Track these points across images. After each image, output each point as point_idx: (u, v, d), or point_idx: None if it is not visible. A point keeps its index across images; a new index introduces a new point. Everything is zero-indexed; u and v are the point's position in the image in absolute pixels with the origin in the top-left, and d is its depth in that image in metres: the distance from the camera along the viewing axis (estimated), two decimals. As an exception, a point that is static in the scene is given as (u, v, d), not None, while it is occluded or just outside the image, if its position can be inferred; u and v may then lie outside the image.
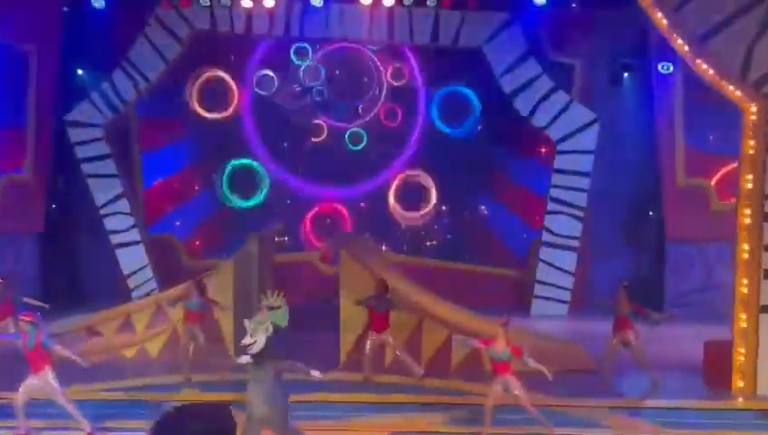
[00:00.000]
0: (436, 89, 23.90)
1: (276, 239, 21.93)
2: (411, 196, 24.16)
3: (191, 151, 24.25)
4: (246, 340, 9.44)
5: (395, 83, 24.04)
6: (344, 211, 24.16)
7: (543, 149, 23.11)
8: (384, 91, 24.00)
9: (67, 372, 12.39)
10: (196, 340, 14.95)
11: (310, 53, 23.79)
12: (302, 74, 23.40)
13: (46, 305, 15.52)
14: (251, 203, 24.03)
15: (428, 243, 24.15)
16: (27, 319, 12.05)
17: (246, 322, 9.57)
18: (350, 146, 24.04)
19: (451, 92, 23.77)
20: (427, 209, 24.04)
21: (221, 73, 23.55)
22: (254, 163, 24.06)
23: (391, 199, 24.07)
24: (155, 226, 23.77)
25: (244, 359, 9.66)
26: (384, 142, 24.00)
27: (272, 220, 22.27)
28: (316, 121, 23.95)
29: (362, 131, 24.04)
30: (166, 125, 23.89)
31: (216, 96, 23.61)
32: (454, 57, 22.76)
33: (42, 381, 11.79)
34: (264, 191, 24.01)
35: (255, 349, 9.43)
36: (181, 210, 24.33)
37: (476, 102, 23.65)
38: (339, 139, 24.08)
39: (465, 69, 23.09)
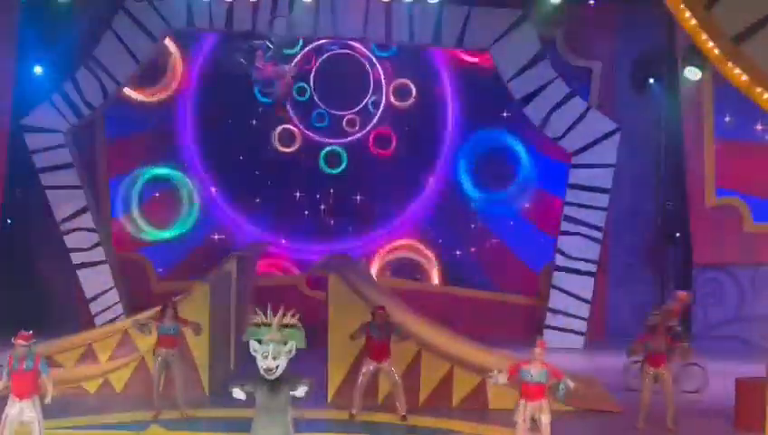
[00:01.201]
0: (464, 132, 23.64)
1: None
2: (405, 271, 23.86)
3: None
4: (269, 363, 8.96)
5: (397, 103, 23.83)
6: (293, 271, 23.30)
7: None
8: (381, 109, 23.79)
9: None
10: (169, 369, 14.87)
11: (300, 41, 23.31)
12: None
13: None
14: (164, 236, 23.25)
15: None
16: (23, 341, 11.68)
17: (256, 344, 9.03)
18: (326, 168, 23.58)
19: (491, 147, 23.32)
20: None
21: (172, 48, 22.75)
22: (178, 174, 23.48)
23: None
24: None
25: (239, 394, 9.33)
26: (371, 177, 23.53)
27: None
28: (286, 126, 23.43)
29: (343, 152, 23.68)
30: (137, 133, 23.82)
31: (152, 71, 23.06)
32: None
33: (26, 409, 11.54)
34: (189, 219, 23.39)
35: (278, 373, 9.06)
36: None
37: (525, 159, 23.33)
38: (312, 155, 23.63)
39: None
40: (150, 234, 23.22)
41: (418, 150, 23.60)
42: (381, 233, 23.59)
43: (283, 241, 22.80)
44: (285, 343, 9.05)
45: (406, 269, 23.52)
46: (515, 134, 23.36)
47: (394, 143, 23.83)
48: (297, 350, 9.23)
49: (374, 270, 22.90)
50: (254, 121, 23.48)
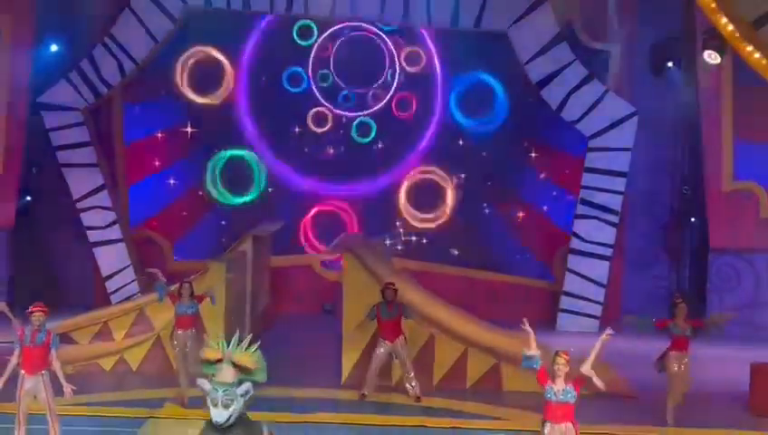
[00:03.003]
0: (455, 75, 23.73)
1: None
2: (425, 196, 24.00)
3: (182, 141, 24.13)
4: (219, 413, 7.09)
5: (409, 69, 23.87)
6: (349, 211, 24.05)
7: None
8: (397, 78, 23.87)
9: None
10: (187, 349, 14.89)
11: (315, 32, 23.70)
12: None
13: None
14: (244, 200, 23.89)
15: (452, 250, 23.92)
16: (40, 309, 11.61)
17: (205, 384, 7.22)
18: (357, 138, 23.93)
19: (473, 81, 23.60)
20: (442, 212, 23.88)
21: (214, 53, 23.45)
22: (249, 154, 23.90)
23: (402, 199, 23.92)
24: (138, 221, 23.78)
25: (205, 385, 7.30)
26: (396, 134, 23.89)
27: (267, 219, 22.10)
28: (320, 109, 23.84)
29: (371, 122, 23.94)
30: (153, 111, 23.85)
31: (207, 78, 23.49)
32: (477, 42, 22.68)
33: (38, 384, 11.48)
34: (261, 187, 23.88)
35: (231, 422, 7.22)
36: (166, 205, 24.25)
37: (501, 92, 23.49)
38: (345, 129, 23.96)
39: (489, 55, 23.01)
40: (232, 199, 23.92)
41: (430, 105, 23.95)
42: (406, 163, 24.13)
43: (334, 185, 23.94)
44: (240, 384, 7.39)
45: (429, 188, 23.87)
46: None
47: (414, 105, 23.99)
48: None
49: (403, 191, 23.82)
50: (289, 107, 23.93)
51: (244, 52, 23.73)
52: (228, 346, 7.30)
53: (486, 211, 23.89)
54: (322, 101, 23.84)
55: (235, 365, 7.31)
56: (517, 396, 14.93)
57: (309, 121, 23.86)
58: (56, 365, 11.59)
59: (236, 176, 23.86)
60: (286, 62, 23.77)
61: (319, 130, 23.87)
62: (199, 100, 23.50)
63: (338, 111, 23.87)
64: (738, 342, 19.17)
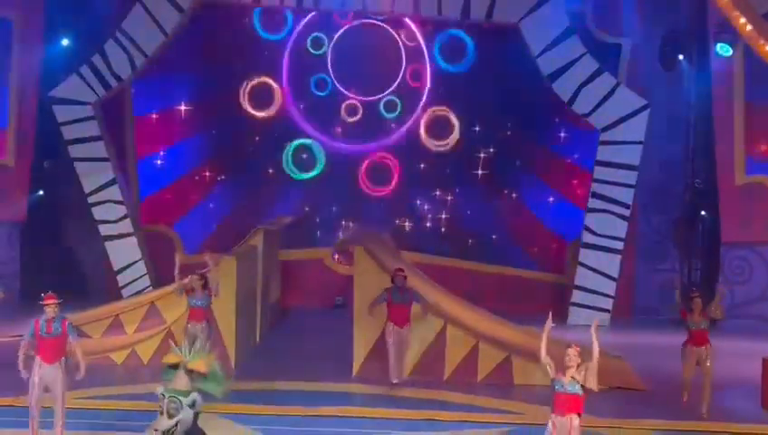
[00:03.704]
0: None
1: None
2: (438, 129, 24.39)
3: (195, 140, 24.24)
4: (160, 422, 6.97)
5: (408, 43, 24.36)
6: (391, 159, 24.79)
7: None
8: (404, 55, 24.33)
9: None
10: (197, 341, 14.92)
11: (326, 43, 24.22)
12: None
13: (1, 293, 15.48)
14: (313, 174, 24.84)
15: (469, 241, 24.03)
16: (52, 301, 11.62)
17: (160, 390, 7.18)
18: (386, 114, 24.65)
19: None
20: (452, 137, 24.46)
21: (266, 79, 24.48)
22: (310, 141, 24.85)
23: (423, 133, 24.50)
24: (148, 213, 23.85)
25: (158, 390, 7.33)
26: (413, 103, 24.52)
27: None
28: (350, 102, 24.46)
29: (396, 99, 24.55)
30: (165, 108, 23.92)
31: (261, 96, 24.39)
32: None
33: (54, 372, 11.43)
34: (322, 163, 24.78)
35: (173, 432, 7.00)
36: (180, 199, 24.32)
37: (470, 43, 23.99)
38: (374, 110, 24.49)
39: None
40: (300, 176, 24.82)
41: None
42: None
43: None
44: (188, 394, 7.10)
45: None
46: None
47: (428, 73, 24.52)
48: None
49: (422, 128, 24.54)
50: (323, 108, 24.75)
51: (282, 73, 24.52)
52: (189, 353, 7.13)
53: (496, 203, 23.86)
54: (349, 94, 24.42)
55: (189, 372, 7.08)
56: (528, 390, 14.92)
57: (342, 113, 24.52)
58: (78, 351, 11.60)
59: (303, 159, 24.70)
60: (311, 71, 24.46)
61: (351, 120, 24.56)
62: (259, 114, 24.43)
63: (363, 98, 24.51)
64: (750, 335, 19.13)
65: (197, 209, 24.44)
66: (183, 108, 24.34)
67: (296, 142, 24.65)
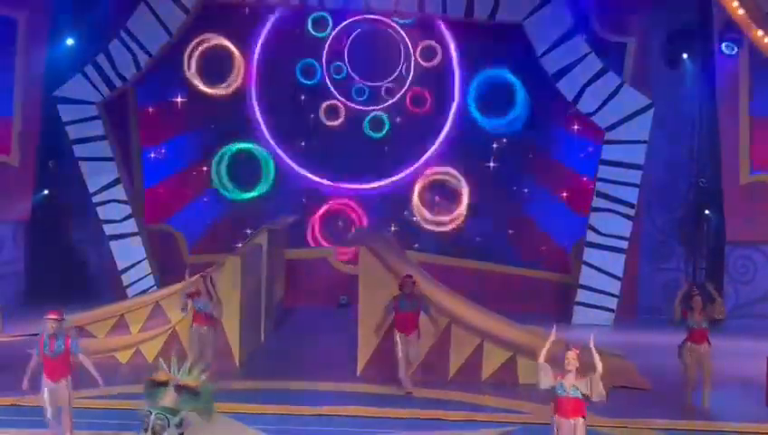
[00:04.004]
0: (472, 72, 23.46)
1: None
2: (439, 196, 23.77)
3: (195, 134, 24.15)
4: None
5: (425, 63, 23.63)
6: (358, 211, 23.78)
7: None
8: (412, 73, 23.66)
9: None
10: (203, 345, 15.00)
11: (330, 22, 23.52)
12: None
13: None
14: (251, 195, 23.67)
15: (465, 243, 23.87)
16: (55, 317, 11.36)
17: (146, 407, 6.86)
18: (370, 133, 23.64)
19: (491, 77, 23.37)
20: (456, 214, 23.66)
21: (224, 41, 23.24)
22: (257, 148, 23.69)
23: (415, 200, 23.70)
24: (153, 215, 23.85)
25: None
26: (409, 131, 23.60)
27: (273, 216, 21.91)
28: (332, 102, 23.64)
29: (384, 117, 23.66)
30: (168, 104, 23.90)
31: (217, 68, 23.33)
32: (493, 34, 22.60)
33: (59, 391, 11.31)
34: (269, 182, 23.67)
35: None
36: (184, 200, 24.32)
37: (520, 90, 23.19)
38: (357, 124, 23.64)
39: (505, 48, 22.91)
40: (238, 195, 23.76)
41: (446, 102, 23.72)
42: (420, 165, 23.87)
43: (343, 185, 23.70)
44: (176, 413, 6.74)
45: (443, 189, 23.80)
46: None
47: (429, 100, 23.78)
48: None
49: (418, 188, 23.60)
50: (302, 99, 23.73)
51: (255, 41, 23.45)
52: (178, 371, 6.81)
53: (501, 202, 23.83)
54: (336, 93, 23.60)
55: (179, 389, 6.72)
56: (533, 389, 14.83)
57: (321, 114, 23.63)
58: (86, 363, 11.50)
59: (244, 171, 23.61)
60: (300, 53, 23.58)
61: (330, 124, 23.62)
62: (208, 90, 23.36)
63: (351, 105, 23.61)
64: (755, 334, 19.11)
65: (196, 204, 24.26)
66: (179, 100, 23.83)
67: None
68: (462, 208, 23.57)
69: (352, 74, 23.67)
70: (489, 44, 23.04)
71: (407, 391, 14.81)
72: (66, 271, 22.70)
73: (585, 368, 10.11)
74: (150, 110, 23.83)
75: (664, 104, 21.88)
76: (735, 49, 20.88)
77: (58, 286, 21.93)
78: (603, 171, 21.85)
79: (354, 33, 23.67)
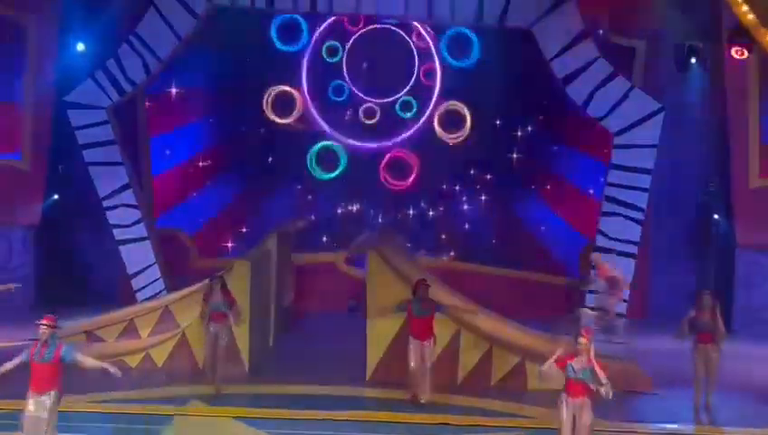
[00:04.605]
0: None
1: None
2: (452, 122, 25.14)
3: (202, 139, 24.38)
4: None
5: (421, 45, 25.43)
6: (407, 155, 25.63)
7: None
8: (416, 58, 25.39)
9: (64, 382, 12.24)
10: (219, 342, 15.13)
11: (340, 50, 25.41)
12: None
13: (12, 287, 15.48)
14: (335, 174, 25.74)
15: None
16: (48, 322, 10.63)
17: None
18: (402, 114, 25.71)
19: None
20: (464, 132, 25.28)
21: (287, 88, 25.52)
22: (332, 144, 25.86)
23: (437, 128, 25.46)
24: (162, 219, 23.95)
25: None
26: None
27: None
28: (368, 105, 25.59)
29: (412, 99, 25.60)
30: (178, 110, 24.02)
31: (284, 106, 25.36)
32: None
33: (45, 404, 10.47)
34: (344, 162, 25.77)
35: None
36: (189, 203, 24.46)
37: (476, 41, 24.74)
38: (391, 111, 25.53)
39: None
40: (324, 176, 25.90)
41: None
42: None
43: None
44: None
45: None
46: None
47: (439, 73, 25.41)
48: None
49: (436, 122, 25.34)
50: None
51: (301, 82, 25.61)
52: None
53: (511, 208, 23.88)
54: (366, 97, 25.64)
55: None
56: (542, 395, 14.87)
57: (361, 116, 25.76)
58: (89, 363, 10.83)
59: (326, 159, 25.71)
60: (328, 78, 25.64)
61: (369, 122, 25.82)
62: (282, 121, 25.51)
63: (380, 100, 25.70)
64: (765, 339, 19.07)
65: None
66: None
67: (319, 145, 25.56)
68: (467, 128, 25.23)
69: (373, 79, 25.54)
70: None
71: (420, 401, 14.66)
72: (76, 275, 22.76)
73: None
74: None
75: (674, 108, 21.83)
76: (745, 53, 20.83)
77: (67, 290, 22.01)
78: (613, 176, 21.80)
79: (364, 47, 25.33)
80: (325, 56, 25.58)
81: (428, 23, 23.20)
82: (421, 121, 25.48)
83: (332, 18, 24.87)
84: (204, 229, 24.80)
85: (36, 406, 10.54)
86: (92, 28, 22.22)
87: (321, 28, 25.23)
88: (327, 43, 25.47)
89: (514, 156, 25.34)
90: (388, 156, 25.61)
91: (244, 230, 25.09)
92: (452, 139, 25.27)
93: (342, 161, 25.60)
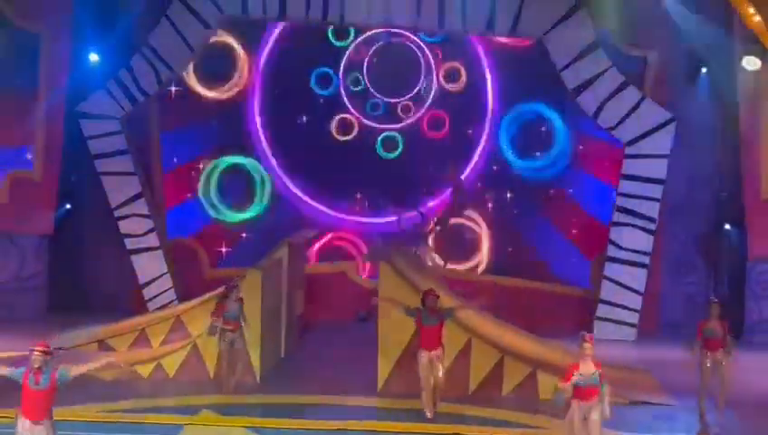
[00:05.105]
0: (505, 106, 23.66)
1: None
2: (456, 242, 23.80)
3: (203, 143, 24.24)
4: None
5: (448, 87, 23.82)
6: (361, 247, 23.62)
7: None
8: (432, 93, 23.83)
9: (76, 392, 12.30)
10: (234, 354, 15.35)
11: (352, 33, 23.82)
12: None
13: None
14: (244, 216, 23.60)
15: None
16: (42, 349, 10.03)
17: None
18: (382, 152, 23.74)
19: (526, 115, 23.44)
20: (474, 262, 23.69)
21: (229, 40, 23.12)
22: (252, 163, 23.69)
23: (430, 243, 23.65)
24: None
25: None
26: (424, 155, 23.64)
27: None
28: (345, 116, 23.71)
29: (398, 136, 23.79)
30: (189, 119, 24.03)
31: (220, 69, 23.42)
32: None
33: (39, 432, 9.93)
34: (263, 203, 23.61)
35: None
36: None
37: (561, 129, 23.32)
38: (369, 141, 23.77)
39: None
40: (228, 216, 23.62)
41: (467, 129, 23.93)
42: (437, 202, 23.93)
43: (348, 216, 23.39)
44: None
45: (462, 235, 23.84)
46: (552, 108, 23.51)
47: (447, 125, 23.92)
48: None
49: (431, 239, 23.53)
50: (313, 113, 23.79)
51: (266, 42, 23.54)
52: None
53: (521, 218, 23.81)
54: (350, 107, 23.77)
55: None
56: (552, 405, 14.84)
57: (333, 128, 23.78)
58: (86, 368, 10.31)
59: (236, 188, 23.74)
60: (316, 61, 23.76)
61: (342, 139, 23.74)
62: (207, 93, 23.40)
63: (366, 121, 23.69)
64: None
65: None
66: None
67: None
68: (482, 255, 23.63)
69: (370, 89, 23.86)
70: (525, 73, 23.15)
71: (427, 416, 14.51)
72: (88, 285, 22.80)
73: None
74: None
75: (685, 118, 21.79)
76: (758, 63, 20.79)
77: (79, 300, 22.06)
78: (624, 186, 21.78)
79: (376, 46, 23.85)
80: (331, 36, 23.64)
81: (440, 32, 23.04)
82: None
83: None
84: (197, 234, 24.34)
85: (31, 433, 9.99)
86: (105, 39, 22.32)
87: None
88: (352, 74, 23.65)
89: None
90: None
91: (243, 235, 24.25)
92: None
93: None
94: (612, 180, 22.49)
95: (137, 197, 22.51)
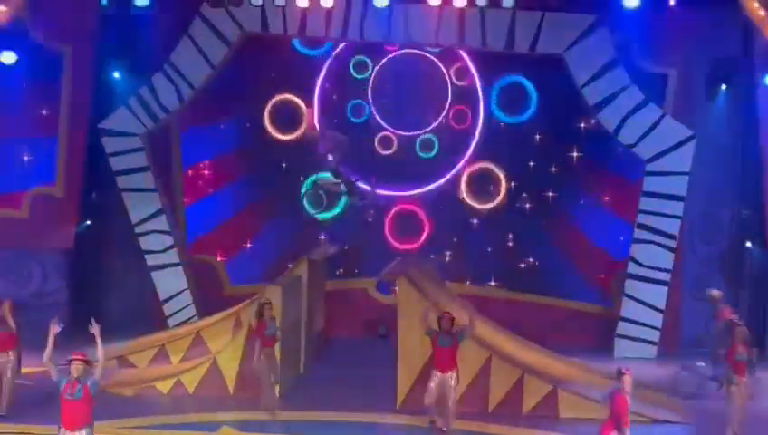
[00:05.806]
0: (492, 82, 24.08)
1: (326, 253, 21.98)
2: (482, 186, 24.14)
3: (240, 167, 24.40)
4: None
5: (457, 82, 24.16)
6: (420, 211, 24.35)
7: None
8: (450, 93, 24.12)
9: (96, 408, 12.19)
10: (272, 367, 15.45)
11: (370, 66, 24.12)
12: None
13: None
14: (333, 213, 24.37)
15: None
16: (82, 359, 10.54)
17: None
18: (422, 154, 24.29)
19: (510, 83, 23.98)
20: (498, 199, 24.07)
21: (291, 96, 24.10)
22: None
23: (464, 192, 24.24)
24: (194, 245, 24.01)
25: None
26: (455, 145, 24.17)
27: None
28: (384, 134, 24.21)
29: (434, 137, 24.27)
30: (211, 137, 24.12)
31: (286, 117, 24.12)
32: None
33: None
34: (343, 201, 24.15)
35: None
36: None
37: (533, 91, 23.76)
38: (409, 148, 24.26)
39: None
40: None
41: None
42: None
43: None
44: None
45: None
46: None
47: (470, 116, 24.23)
48: None
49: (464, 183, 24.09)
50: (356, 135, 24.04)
51: (314, 91, 24.16)
52: None
53: (539, 234, 23.74)
54: (385, 125, 24.19)
55: None
56: (574, 423, 14.78)
57: (376, 146, 24.24)
58: (102, 368, 10.72)
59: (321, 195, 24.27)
60: (348, 95, 24.26)
61: (385, 153, 24.28)
62: (284, 137, 24.07)
63: (400, 132, 24.24)
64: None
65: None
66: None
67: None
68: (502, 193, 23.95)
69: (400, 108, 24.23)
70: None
71: (433, 425, 14.62)
72: (108, 301, 22.83)
73: None
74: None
75: (706, 135, 21.71)
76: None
77: (100, 316, 21.94)
78: (645, 203, 21.69)
79: (393, 69, 24.07)
80: (353, 71, 24.22)
81: (463, 48, 23.04)
82: (444, 181, 24.02)
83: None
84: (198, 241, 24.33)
85: None
86: (127, 56, 22.47)
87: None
88: (357, 57, 24.05)
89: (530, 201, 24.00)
90: (394, 210, 24.18)
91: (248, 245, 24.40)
92: (480, 207, 24.00)
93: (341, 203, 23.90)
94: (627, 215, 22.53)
95: (158, 213, 22.59)
